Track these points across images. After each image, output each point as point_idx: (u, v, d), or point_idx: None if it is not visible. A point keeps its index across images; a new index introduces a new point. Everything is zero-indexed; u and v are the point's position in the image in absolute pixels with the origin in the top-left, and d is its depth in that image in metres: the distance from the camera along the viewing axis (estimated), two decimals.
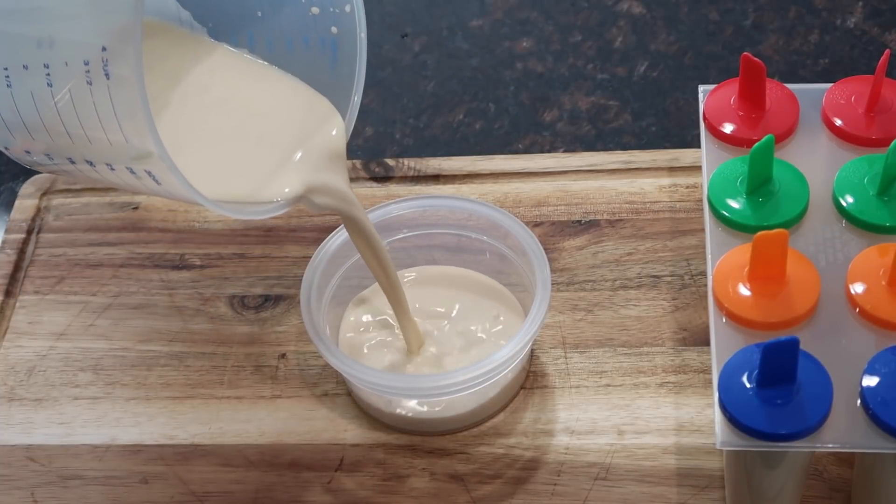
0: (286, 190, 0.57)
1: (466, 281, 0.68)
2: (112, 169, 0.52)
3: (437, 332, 0.65)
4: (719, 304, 0.56)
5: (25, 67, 0.50)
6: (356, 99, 0.61)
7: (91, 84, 0.49)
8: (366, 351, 0.65)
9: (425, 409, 0.62)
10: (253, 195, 0.57)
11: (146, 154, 0.50)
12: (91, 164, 0.53)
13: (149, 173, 0.51)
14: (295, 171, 0.58)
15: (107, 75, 0.48)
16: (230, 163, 0.58)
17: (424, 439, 0.63)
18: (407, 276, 0.68)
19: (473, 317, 0.66)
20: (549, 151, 0.78)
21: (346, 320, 0.66)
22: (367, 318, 0.66)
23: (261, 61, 0.61)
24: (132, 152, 0.50)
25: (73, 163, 0.54)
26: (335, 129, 0.60)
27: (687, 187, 0.72)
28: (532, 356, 0.65)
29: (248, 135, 0.59)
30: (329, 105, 0.60)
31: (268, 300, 0.70)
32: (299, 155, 0.58)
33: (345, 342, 0.65)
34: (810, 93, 0.64)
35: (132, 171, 0.52)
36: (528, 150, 0.79)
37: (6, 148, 0.56)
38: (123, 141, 0.50)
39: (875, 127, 0.62)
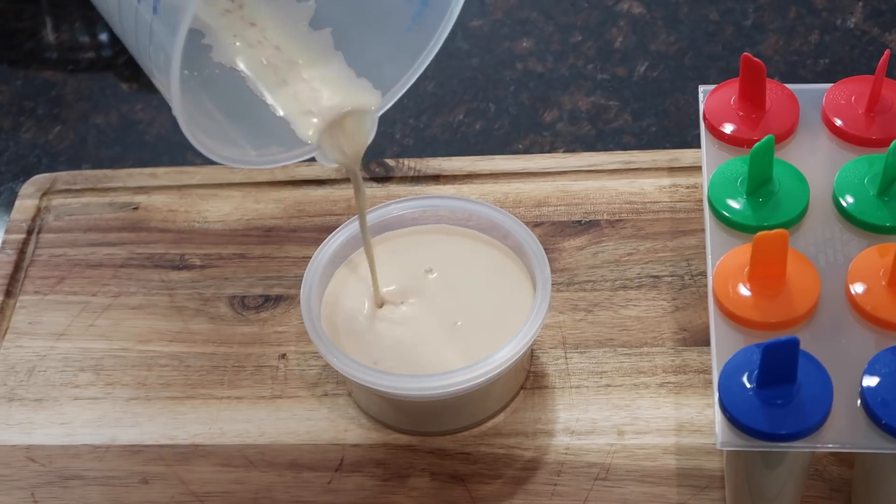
0: (309, 132, 0.58)
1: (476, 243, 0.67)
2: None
3: (422, 288, 0.65)
4: (719, 304, 0.56)
5: None
6: (423, 62, 0.61)
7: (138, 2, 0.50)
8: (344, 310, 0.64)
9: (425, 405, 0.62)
10: (277, 123, 0.58)
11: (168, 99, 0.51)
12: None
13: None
14: (318, 119, 0.58)
15: (154, 10, 0.49)
16: (257, 104, 0.58)
17: (424, 439, 0.63)
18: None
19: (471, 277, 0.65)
20: (549, 151, 0.78)
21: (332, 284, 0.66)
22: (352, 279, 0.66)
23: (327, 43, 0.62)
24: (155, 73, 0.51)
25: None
26: (372, 94, 0.60)
27: (687, 187, 0.72)
28: (532, 356, 0.65)
29: (281, 86, 0.59)
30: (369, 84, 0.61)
31: (268, 300, 0.70)
32: (327, 105, 0.59)
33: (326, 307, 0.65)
34: (810, 93, 0.64)
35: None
36: (528, 151, 0.79)
37: None
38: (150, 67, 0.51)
39: (875, 127, 0.62)
